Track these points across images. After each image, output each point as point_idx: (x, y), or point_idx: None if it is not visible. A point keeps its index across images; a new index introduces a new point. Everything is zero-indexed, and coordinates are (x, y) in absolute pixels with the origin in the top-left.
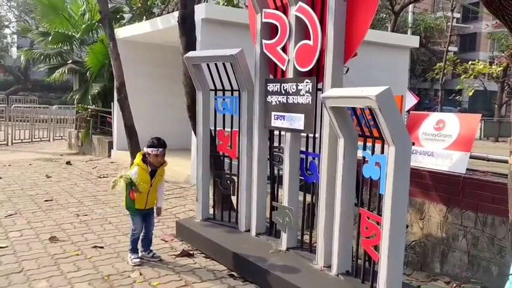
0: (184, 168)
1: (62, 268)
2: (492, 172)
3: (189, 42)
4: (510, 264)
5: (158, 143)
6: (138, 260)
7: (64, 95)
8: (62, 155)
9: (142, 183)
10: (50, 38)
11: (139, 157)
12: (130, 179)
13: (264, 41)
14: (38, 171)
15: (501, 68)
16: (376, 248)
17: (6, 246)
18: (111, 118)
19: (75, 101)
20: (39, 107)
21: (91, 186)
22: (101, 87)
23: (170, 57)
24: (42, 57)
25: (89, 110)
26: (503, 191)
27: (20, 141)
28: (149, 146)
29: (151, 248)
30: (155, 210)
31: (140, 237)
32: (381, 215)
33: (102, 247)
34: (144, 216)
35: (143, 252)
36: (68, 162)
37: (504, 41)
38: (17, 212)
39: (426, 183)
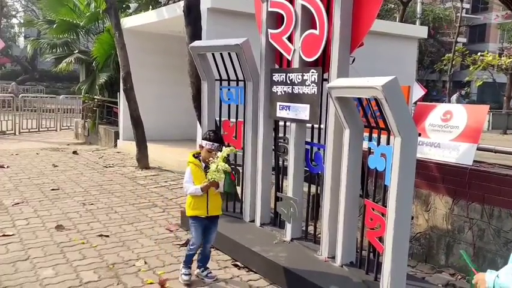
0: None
1: (67, 256)
2: (500, 164)
3: (195, 32)
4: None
5: (215, 137)
6: (188, 277)
7: (71, 85)
8: (68, 145)
9: (199, 183)
10: (54, 26)
11: (190, 155)
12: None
13: (270, 31)
14: (45, 161)
15: (511, 60)
16: (381, 239)
17: (13, 234)
18: (117, 108)
19: (82, 91)
20: (47, 97)
21: (97, 176)
22: (108, 77)
23: (176, 47)
24: (48, 47)
25: (96, 100)
26: (510, 183)
27: (27, 130)
28: (204, 138)
29: (208, 265)
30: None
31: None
32: (386, 207)
33: (107, 236)
34: (206, 227)
35: (198, 270)
36: (74, 152)
37: None
38: (24, 201)
39: (432, 175)
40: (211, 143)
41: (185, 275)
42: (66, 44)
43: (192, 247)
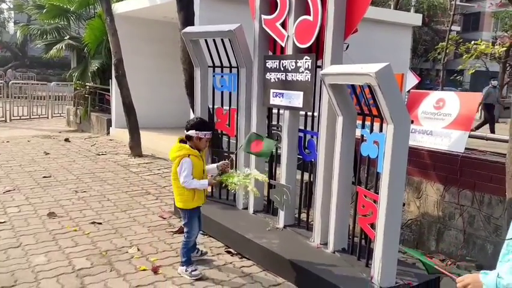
0: None
1: (60, 243)
2: (491, 151)
3: (187, 18)
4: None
5: (204, 125)
6: (198, 271)
7: (62, 72)
8: (60, 132)
9: (198, 174)
10: (44, 10)
11: (184, 146)
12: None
13: (263, 17)
14: (37, 148)
15: (504, 49)
16: (372, 226)
17: (4, 222)
18: (109, 95)
19: (74, 78)
20: (38, 84)
21: (90, 164)
22: (100, 64)
23: (169, 34)
24: (39, 33)
25: (88, 87)
26: (501, 170)
27: (18, 118)
28: (198, 129)
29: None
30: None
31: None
32: (378, 194)
33: (100, 223)
34: (199, 215)
35: (192, 253)
36: (66, 139)
37: (508, 20)
38: (16, 188)
39: (424, 162)
40: (204, 131)
41: (194, 270)
42: (57, 29)
43: (189, 239)
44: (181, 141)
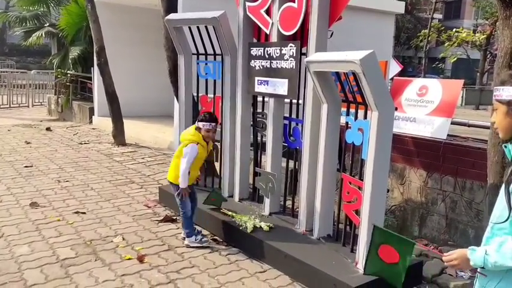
0: (167, 135)
1: (43, 233)
2: (473, 138)
3: (170, 5)
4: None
5: (211, 117)
6: (206, 238)
7: (42, 60)
8: (41, 121)
9: (198, 162)
10: None
11: (198, 134)
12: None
13: (248, 3)
14: (17, 138)
15: (484, 36)
16: (357, 212)
17: None
18: (91, 84)
19: (54, 66)
20: (17, 72)
21: (72, 153)
22: (81, 51)
23: (152, 21)
24: (18, 20)
25: (69, 75)
26: (483, 156)
27: None
28: (201, 120)
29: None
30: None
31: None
32: (362, 180)
33: (84, 213)
34: (193, 193)
35: (190, 238)
36: (48, 129)
37: (488, 8)
38: None
39: (407, 149)
40: (209, 123)
41: (203, 237)
42: (36, 17)
43: (185, 211)
44: (197, 128)
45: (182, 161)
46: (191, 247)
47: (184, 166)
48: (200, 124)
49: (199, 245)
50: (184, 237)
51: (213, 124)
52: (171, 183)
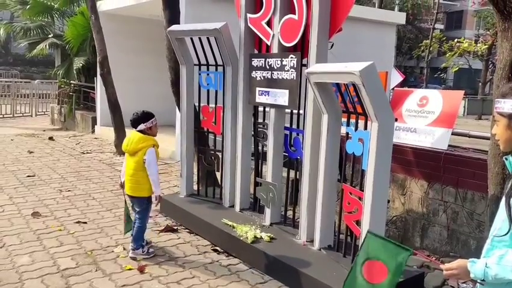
0: (168, 145)
1: (44, 243)
2: (474, 148)
3: (173, 16)
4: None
5: (149, 113)
6: (153, 249)
7: (46, 70)
8: (44, 131)
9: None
10: (28, 7)
11: (149, 138)
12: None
13: (249, 15)
14: (20, 147)
15: (486, 46)
16: (358, 222)
17: None
18: (94, 93)
19: (58, 76)
20: (21, 82)
21: (74, 162)
22: (85, 62)
23: (154, 32)
24: (22, 31)
25: (72, 85)
26: (483, 167)
27: (1, 116)
28: (145, 120)
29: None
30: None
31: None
32: (363, 191)
33: (85, 222)
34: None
35: (142, 249)
36: (50, 138)
37: (490, 19)
38: None
39: (408, 159)
40: (153, 118)
41: (150, 248)
42: (40, 27)
43: (143, 225)
44: (143, 131)
45: (149, 169)
46: (146, 259)
47: (155, 171)
48: (148, 123)
49: (146, 256)
50: (132, 249)
51: (155, 117)
52: (136, 197)
